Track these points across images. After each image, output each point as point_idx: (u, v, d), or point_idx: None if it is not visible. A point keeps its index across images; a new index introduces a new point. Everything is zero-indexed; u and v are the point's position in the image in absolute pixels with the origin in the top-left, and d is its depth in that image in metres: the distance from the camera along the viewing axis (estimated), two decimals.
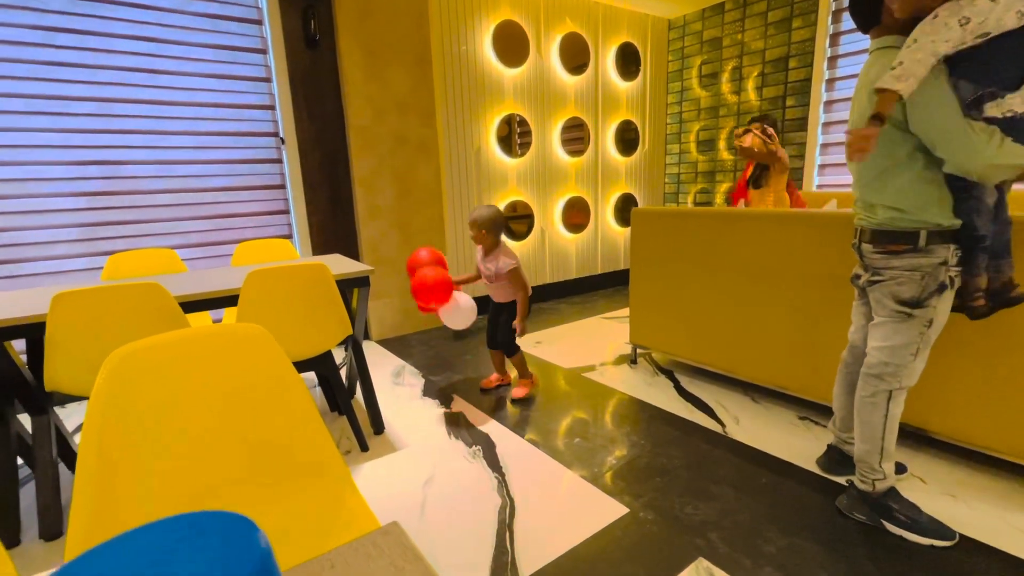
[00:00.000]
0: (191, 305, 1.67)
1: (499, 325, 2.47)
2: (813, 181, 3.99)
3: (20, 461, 1.85)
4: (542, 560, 1.40)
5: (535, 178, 4.19)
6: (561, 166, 4.35)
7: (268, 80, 3.01)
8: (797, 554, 1.38)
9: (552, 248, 4.44)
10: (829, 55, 3.80)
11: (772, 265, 2.11)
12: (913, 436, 1.89)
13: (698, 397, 2.39)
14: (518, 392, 2.48)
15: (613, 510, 1.60)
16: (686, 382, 2.57)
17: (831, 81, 3.82)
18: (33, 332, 1.49)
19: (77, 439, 2.10)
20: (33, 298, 1.72)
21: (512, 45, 3.84)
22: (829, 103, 3.84)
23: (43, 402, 1.59)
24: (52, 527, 1.55)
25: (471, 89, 3.72)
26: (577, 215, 4.53)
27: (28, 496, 1.75)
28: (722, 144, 4.58)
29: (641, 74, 4.72)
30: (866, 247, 1.45)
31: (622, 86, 4.61)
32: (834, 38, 3.76)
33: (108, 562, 0.10)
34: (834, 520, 1.51)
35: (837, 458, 1.74)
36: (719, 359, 2.41)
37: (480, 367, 2.91)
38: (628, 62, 4.58)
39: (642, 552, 1.41)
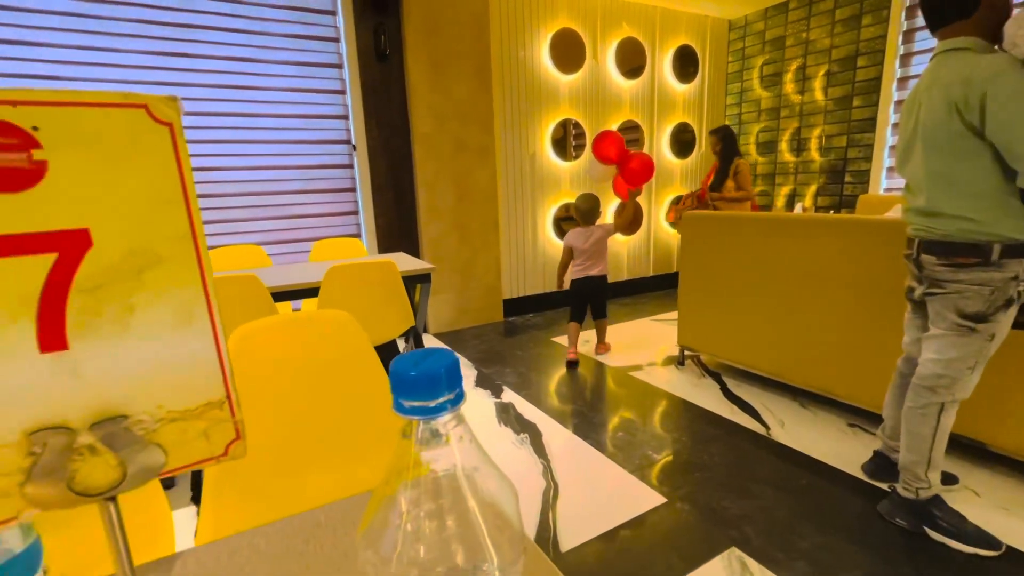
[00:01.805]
0: (279, 295, 1.93)
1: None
2: (880, 184, 3.83)
3: None
4: (581, 538, 1.52)
5: (588, 181, 4.28)
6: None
7: (343, 92, 3.30)
8: (832, 552, 1.42)
9: None
10: (902, 52, 3.64)
11: (824, 270, 2.11)
12: (970, 449, 1.84)
13: (744, 400, 2.41)
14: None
15: (651, 499, 1.69)
16: (733, 385, 2.59)
17: (903, 80, 3.65)
18: None
19: None
20: None
21: (568, 52, 3.95)
22: (901, 103, 3.67)
23: None
24: (168, 478, 1.85)
25: (528, 96, 3.87)
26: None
27: None
28: (783, 146, 4.47)
29: (699, 76, 4.69)
30: (927, 258, 1.39)
31: (679, 88, 4.60)
32: (908, 35, 3.59)
33: (403, 361, 0.22)
34: (874, 524, 1.53)
35: (883, 464, 1.73)
36: (768, 363, 2.42)
37: (529, 361, 3.05)
38: (686, 64, 4.56)
39: (676, 538, 1.50)
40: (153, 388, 0.24)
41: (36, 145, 0.21)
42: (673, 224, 3.82)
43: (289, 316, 1.04)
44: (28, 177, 0.20)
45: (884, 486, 1.69)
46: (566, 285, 3.10)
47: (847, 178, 4.01)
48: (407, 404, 0.21)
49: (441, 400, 0.21)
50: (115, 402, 0.23)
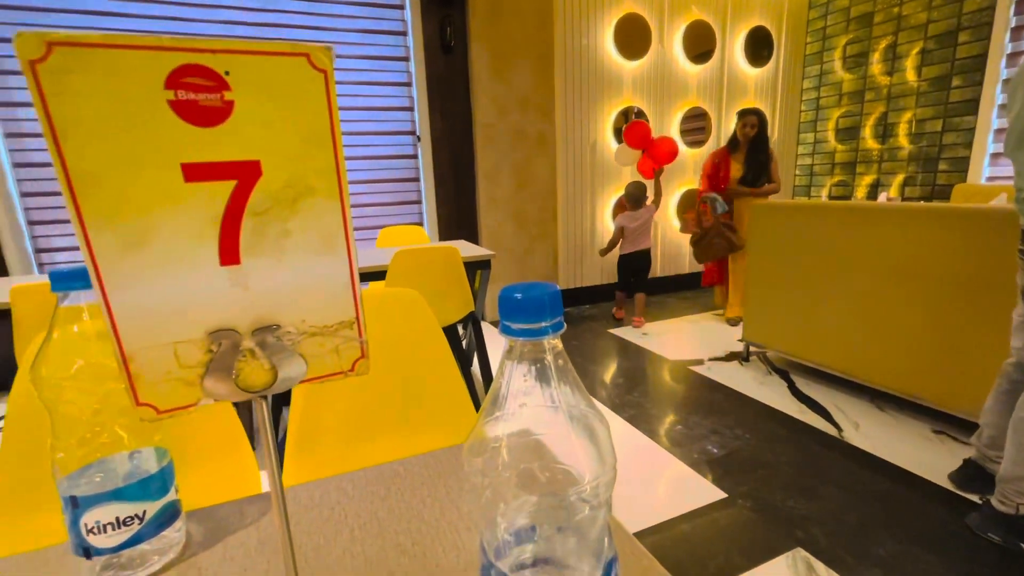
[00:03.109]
0: None
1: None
2: (982, 172, 3.48)
3: None
4: (637, 527, 1.51)
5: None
6: (679, 158, 4.27)
7: (408, 85, 3.40)
8: (911, 561, 1.33)
9: (665, 242, 4.40)
10: (1013, 24, 3.26)
11: (909, 264, 1.96)
12: None
13: (814, 399, 2.29)
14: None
15: (710, 493, 1.65)
16: (801, 383, 2.46)
17: (1014, 55, 3.28)
18: None
19: None
20: None
21: (633, 38, 3.85)
22: (1010, 81, 3.30)
23: None
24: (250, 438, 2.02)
25: (590, 83, 3.82)
26: (693, 209, 4.41)
27: None
28: (867, 132, 4.15)
29: (773, 59, 4.43)
30: None
31: (750, 72, 4.37)
32: (1021, 5, 3.22)
33: (511, 289, 0.24)
34: (961, 537, 1.42)
35: (975, 474, 1.59)
36: (842, 361, 2.28)
37: (585, 351, 3.04)
38: (759, 47, 4.33)
39: (737, 534, 1.46)
40: (299, 304, 0.29)
41: (227, 88, 0.25)
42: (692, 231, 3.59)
43: (364, 292, 1.11)
44: (219, 114, 0.25)
45: (975, 498, 1.56)
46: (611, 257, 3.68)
47: (941, 166, 3.67)
48: (514, 326, 0.24)
49: (544, 324, 0.23)
50: (271, 313, 0.28)
